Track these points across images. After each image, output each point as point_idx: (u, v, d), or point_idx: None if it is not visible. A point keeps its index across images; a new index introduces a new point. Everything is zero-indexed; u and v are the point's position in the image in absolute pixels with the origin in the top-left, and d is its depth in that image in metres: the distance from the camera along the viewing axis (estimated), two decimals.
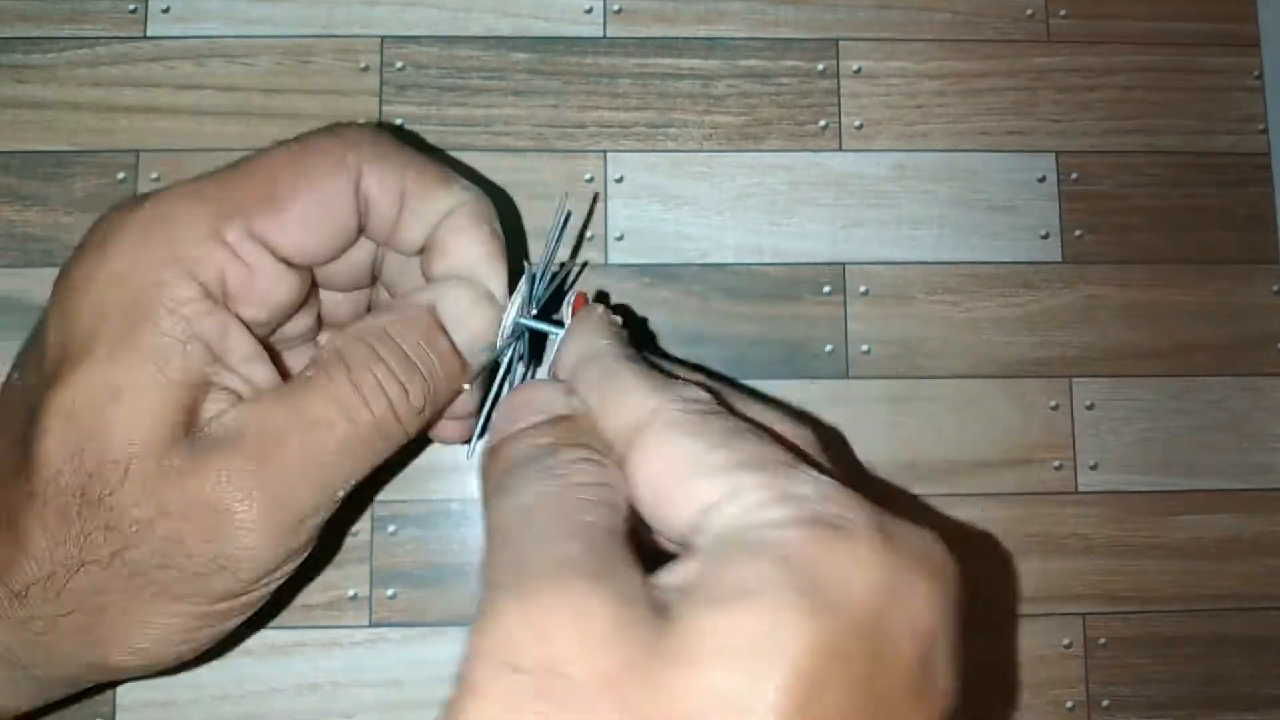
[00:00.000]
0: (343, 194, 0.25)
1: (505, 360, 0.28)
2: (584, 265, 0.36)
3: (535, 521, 0.20)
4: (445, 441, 0.29)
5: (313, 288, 0.28)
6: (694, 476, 0.19)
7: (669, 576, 0.19)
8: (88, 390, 0.23)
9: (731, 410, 0.22)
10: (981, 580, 0.35)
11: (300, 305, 0.27)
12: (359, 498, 0.34)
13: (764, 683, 0.16)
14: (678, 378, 0.22)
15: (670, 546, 0.22)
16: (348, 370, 0.24)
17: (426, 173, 0.26)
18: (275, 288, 0.25)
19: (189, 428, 0.24)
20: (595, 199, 0.36)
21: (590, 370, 0.23)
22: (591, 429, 0.22)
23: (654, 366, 0.23)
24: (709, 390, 0.22)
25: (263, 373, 0.25)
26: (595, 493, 0.20)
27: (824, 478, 0.20)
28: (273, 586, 0.25)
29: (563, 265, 0.28)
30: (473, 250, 0.26)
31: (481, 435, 0.28)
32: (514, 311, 0.27)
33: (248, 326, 0.25)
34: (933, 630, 0.18)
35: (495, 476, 0.22)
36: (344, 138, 0.26)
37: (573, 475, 0.21)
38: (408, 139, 0.29)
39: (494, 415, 0.25)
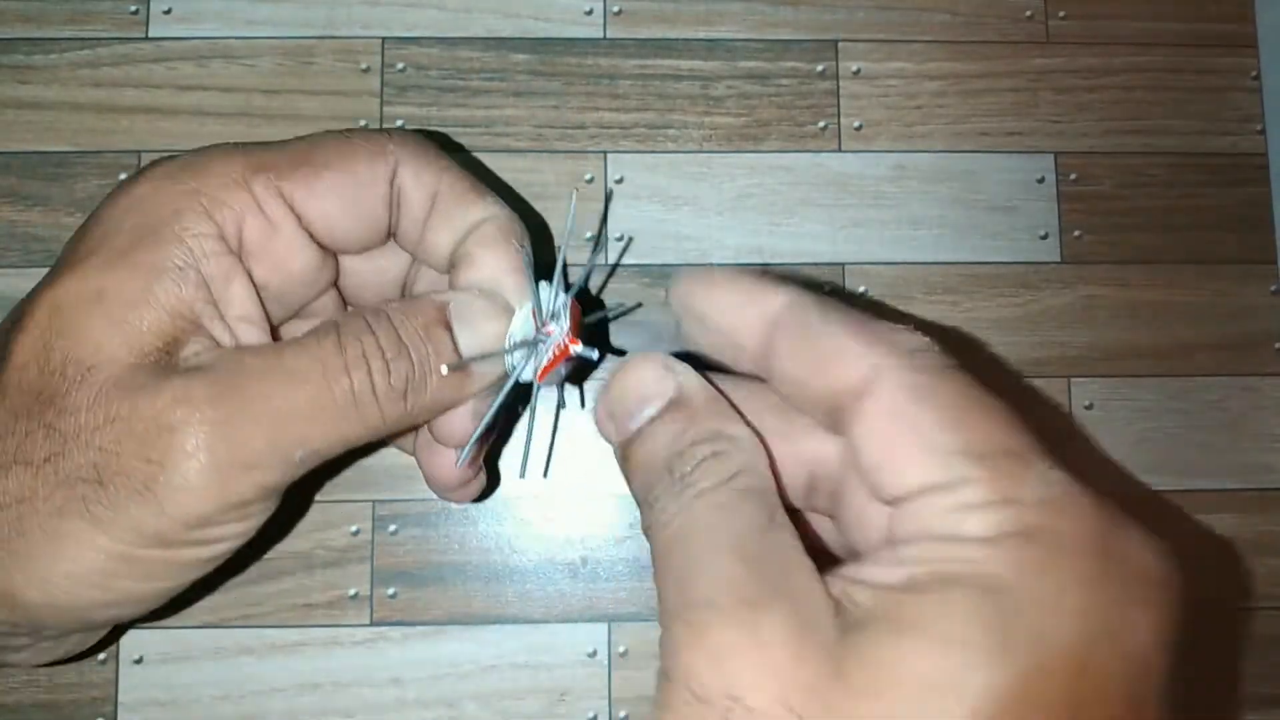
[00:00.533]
0: (377, 176, 0.26)
1: (505, 389, 0.26)
2: (595, 269, 0.36)
3: (689, 540, 0.19)
4: (438, 482, 0.28)
5: (337, 295, 0.28)
6: (917, 453, 0.18)
7: (861, 580, 0.18)
8: (75, 290, 0.23)
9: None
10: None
11: (316, 295, 0.27)
12: (356, 499, 0.34)
13: None
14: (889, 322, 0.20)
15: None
16: (337, 335, 0.24)
17: (462, 181, 0.26)
18: (292, 255, 0.25)
19: (163, 356, 0.23)
20: (608, 198, 0.36)
21: (790, 330, 0.20)
22: (707, 404, 0.21)
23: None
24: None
25: (256, 336, 0.25)
26: (736, 489, 0.19)
27: (1052, 472, 0.18)
28: (203, 553, 0.24)
29: (570, 285, 0.27)
30: (498, 265, 0.26)
31: (471, 459, 0.27)
32: (521, 320, 0.26)
33: (256, 290, 0.25)
34: (1147, 663, 0.17)
35: (634, 486, 0.21)
36: (390, 133, 0.26)
37: (706, 478, 0.19)
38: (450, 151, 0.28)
39: (600, 404, 0.23)
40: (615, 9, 0.37)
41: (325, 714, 0.33)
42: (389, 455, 0.35)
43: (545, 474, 0.34)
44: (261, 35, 0.36)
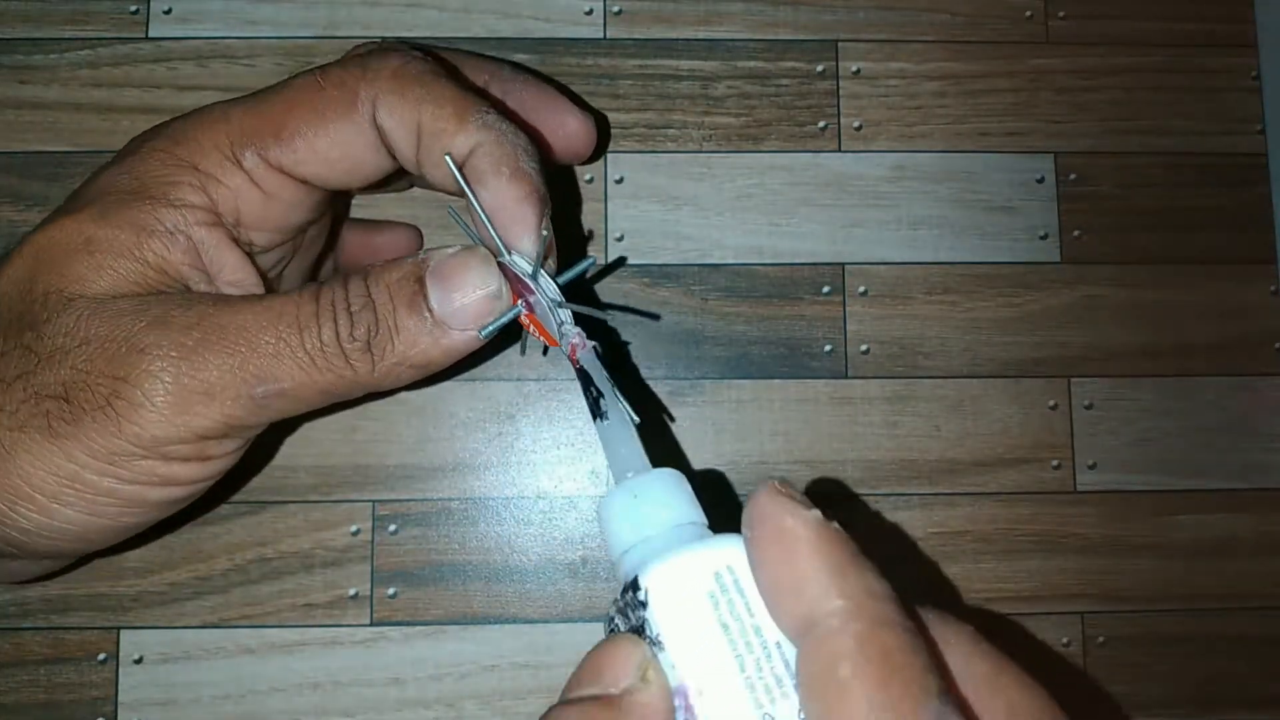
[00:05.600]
0: (357, 126, 0.25)
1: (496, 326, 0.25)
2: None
3: None
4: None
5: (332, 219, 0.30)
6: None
7: None
8: (63, 236, 0.24)
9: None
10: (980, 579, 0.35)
11: (320, 216, 0.28)
12: (356, 499, 0.34)
13: None
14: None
15: None
16: (316, 289, 0.24)
17: (442, 110, 0.25)
18: (291, 212, 0.26)
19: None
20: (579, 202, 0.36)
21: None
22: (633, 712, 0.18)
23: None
24: None
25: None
26: None
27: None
28: (152, 494, 0.24)
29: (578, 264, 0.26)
30: (491, 199, 0.25)
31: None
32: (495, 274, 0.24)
33: (252, 258, 0.26)
34: None
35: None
36: (366, 67, 0.25)
37: None
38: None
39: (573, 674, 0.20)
40: (615, 9, 0.37)
41: (325, 713, 0.33)
42: (389, 455, 0.35)
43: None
44: (261, 35, 0.36)
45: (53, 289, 0.23)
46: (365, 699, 0.33)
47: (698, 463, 0.35)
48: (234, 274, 0.26)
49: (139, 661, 0.33)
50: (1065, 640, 0.35)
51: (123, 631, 0.33)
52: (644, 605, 0.18)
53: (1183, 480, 0.36)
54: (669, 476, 0.21)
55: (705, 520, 0.20)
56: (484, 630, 0.34)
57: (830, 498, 0.35)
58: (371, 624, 0.34)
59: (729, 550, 0.18)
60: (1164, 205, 0.37)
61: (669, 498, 0.20)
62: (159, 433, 0.23)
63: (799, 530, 0.17)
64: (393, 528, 0.34)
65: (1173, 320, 0.37)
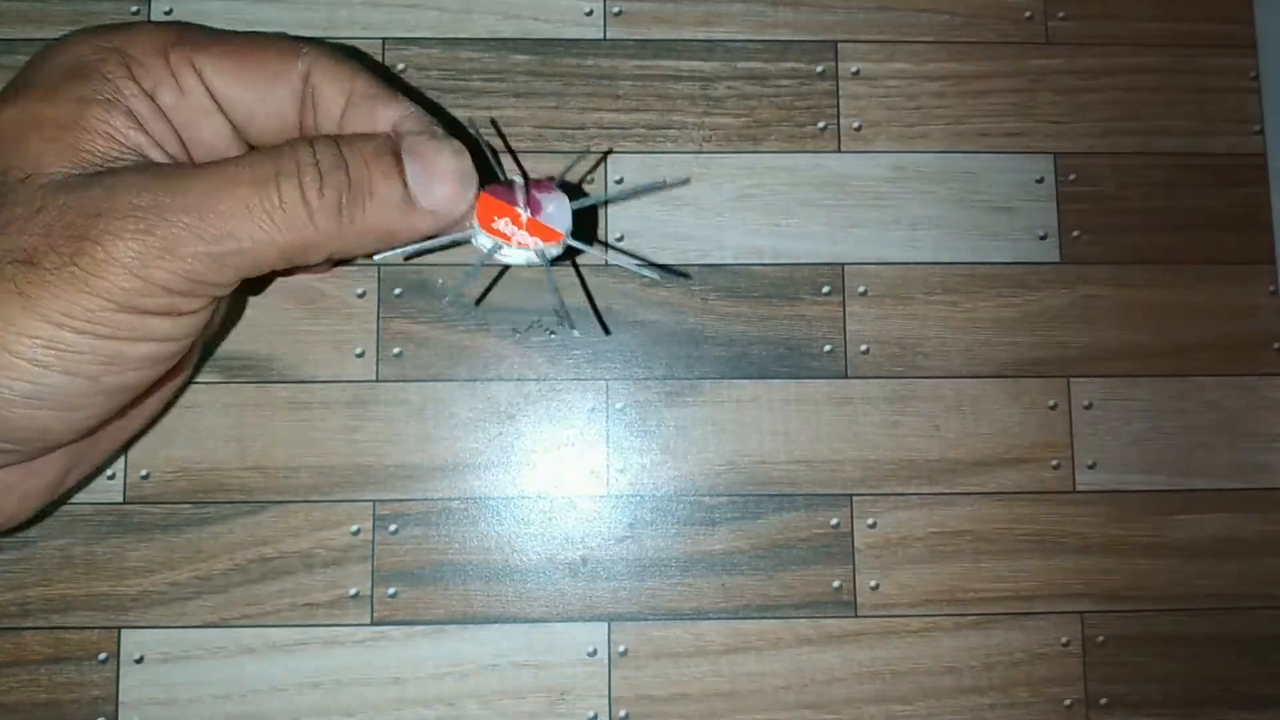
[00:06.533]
0: (289, 70, 0.26)
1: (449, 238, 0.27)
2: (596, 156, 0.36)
3: None
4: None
5: None
6: None
7: None
8: (12, 118, 0.24)
9: None
10: (978, 578, 0.35)
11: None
12: (356, 499, 0.34)
13: None
14: None
15: None
16: (277, 150, 0.25)
17: (375, 85, 0.27)
18: (201, 122, 0.27)
19: (102, 170, 0.24)
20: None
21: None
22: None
23: None
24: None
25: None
26: None
27: None
28: (130, 349, 0.24)
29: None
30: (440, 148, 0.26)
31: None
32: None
33: (182, 140, 0.27)
34: None
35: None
36: (304, 42, 0.27)
37: None
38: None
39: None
40: (615, 9, 0.37)
41: (326, 713, 0.33)
42: (389, 455, 0.35)
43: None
44: None
45: (10, 167, 0.24)
46: (366, 698, 0.34)
47: (698, 463, 0.35)
48: (177, 147, 0.26)
49: (140, 661, 0.33)
50: (1064, 640, 0.35)
51: (123, 631, 0.34)
52: None
53: (1183, 480, 0.36)
54: None
55: None
56: (484, 630, 0.34)
57: (831, 498, 0.35)
58: (372, 624, 0.34)
59: None
60: (1164, 205, 0.37)
61: None
62: (126, 285, 0.23)
63: None
64: (393, 527, 0.34)
65: (1173, 320, 0.37)
